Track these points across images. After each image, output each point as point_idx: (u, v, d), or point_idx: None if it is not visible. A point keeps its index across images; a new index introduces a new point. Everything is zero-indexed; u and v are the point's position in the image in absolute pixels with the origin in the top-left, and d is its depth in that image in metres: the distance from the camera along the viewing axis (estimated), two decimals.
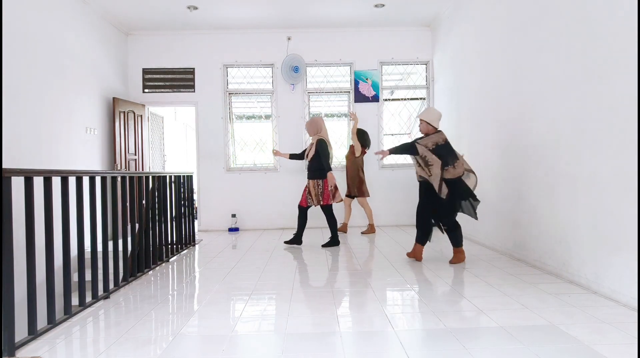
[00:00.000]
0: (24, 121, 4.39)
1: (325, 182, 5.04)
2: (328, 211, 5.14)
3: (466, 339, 2.34)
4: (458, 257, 4.15)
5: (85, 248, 3.05)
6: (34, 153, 4.53)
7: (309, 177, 5.14)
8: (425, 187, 4.14)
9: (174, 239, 4.94)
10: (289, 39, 6.93)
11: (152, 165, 7.22)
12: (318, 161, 5.03)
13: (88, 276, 3.42)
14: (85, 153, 5.59)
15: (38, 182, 2.54)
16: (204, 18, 6.36)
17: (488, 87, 4.89)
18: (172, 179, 4.94)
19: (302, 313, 2.86)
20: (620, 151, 2.83)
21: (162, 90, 6.98)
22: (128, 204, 3.74)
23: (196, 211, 7.00)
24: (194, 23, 6.55)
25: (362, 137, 6.15)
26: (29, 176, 2.42)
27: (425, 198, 4.16)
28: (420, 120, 4.20)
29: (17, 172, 2.33)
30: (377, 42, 6.97)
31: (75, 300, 2.85)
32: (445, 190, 3.96)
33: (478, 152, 5.17)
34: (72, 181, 2.88)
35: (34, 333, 2.41)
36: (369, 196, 6.17)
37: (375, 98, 7.00)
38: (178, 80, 6.98)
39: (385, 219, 6.84)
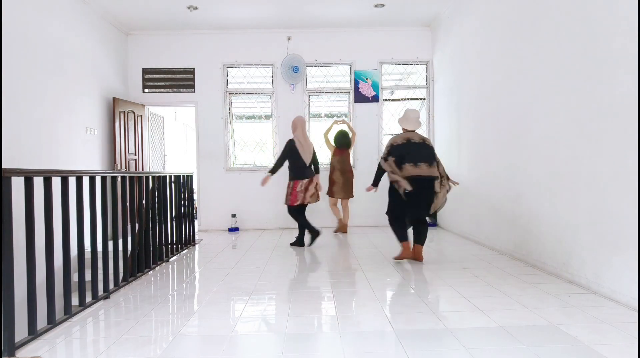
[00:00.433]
0: (24, 121, 4.39)
1: (295, 183, 5.10)
2: (290, 212, 5.21)
3: (466, 339, 2.34)
4: (409, 253, 4.17)
5: (85, 248, 3.05)
6: (34, 152, 4.53)
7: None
8: (391, 186, 4.22)
9: (174, 239, 4.94)
10: (289, 39, 6.93)
11: (152, 165, 7.22)
12: (290, 162, 5.14)
13: (88, 276, 3.42)
14: (85, 153, 5.59)
15: (38, 182, 2.53)
16: (204, 18, 6.36)
17: (488, 87, 4.89)
18: (172, 179, 4.94)
19: (302, 313, 2.86)
20: (620, 151, 2.83)
21: (162, 90, 6.98)
22: (128, 204, 3.74)
23: (196, 211, 7.00)
24: (194, 23, 6.56)
25: (340, 139, 6.13)
26: (29, 176, 2.42)
27: (392, 196, 4.25)
28: None
29: (17, 172, 2.33)
30: (377, 42, 6.97)
31: (75, 300, 2.85)
32: (404, 186, 3.96)
33: (478, 152, 5.17)
34: (72, 181, 2.88)
35: (34, 333, 2.41)
36: (342, 197, 6.11)
37: (375, 98, 7.00)
38: (178, 80, 6.98)
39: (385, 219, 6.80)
